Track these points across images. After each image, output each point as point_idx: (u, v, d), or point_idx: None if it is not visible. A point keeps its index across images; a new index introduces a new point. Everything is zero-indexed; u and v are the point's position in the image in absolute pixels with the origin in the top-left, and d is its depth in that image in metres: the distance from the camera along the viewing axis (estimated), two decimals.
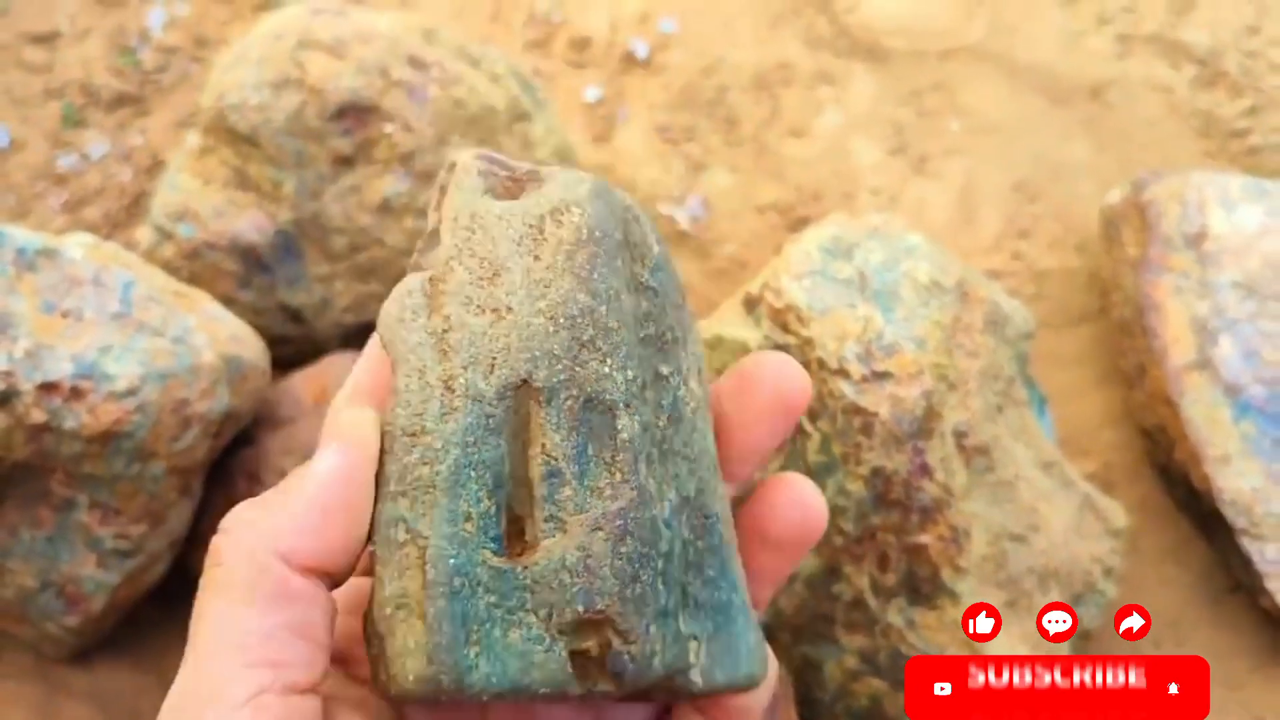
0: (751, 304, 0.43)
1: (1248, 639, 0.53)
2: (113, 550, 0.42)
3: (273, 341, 0.50)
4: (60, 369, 0.39)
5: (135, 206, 0.61)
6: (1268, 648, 0.53)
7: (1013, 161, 0.67)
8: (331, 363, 0.51)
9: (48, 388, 0.38)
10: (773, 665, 0.23)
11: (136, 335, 0.41)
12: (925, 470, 0.40)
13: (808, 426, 0.40)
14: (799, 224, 0.62)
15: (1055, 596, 0.46)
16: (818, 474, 0.41)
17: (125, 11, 0.67)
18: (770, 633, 0.44)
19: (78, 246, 0.43)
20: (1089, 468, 0.57)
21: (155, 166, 0.63)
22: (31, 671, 0.50)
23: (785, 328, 0.41)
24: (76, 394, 0.39)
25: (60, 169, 0.62)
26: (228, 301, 0.51)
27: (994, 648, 0.42)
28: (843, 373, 0.39)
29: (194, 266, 0.52)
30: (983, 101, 0.69)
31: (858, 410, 0.39)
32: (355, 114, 0.51)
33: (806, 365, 0.40)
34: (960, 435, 0.41)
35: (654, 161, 0.65)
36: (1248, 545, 0.51)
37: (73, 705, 0.49)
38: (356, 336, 0.53)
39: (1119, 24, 0.72)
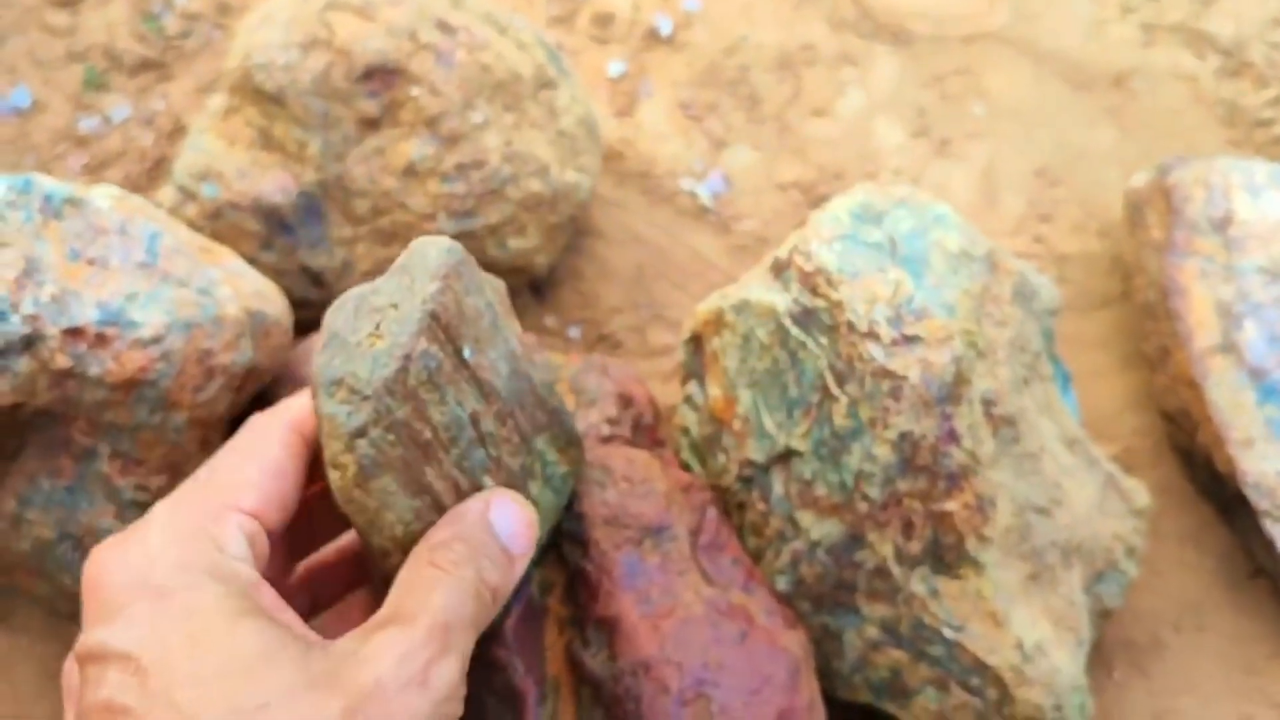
0: (780, 268, 0.43)
1: (1268, 624, 0.53)
2: (132, 501, 0.42)
3: (294, 304, 0.50)
4: (86, 314, 0.38)
5: (156, 170, 0.61)
6: None
7: (1035, 147, 0.67)
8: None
9: (73, 333, 0.38)
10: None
11: (162, 285, 0.41)
12: (953, 436, 0.39)
13: (835, 390, 0.40)
14: (820, 201, 0.62)
15: (1078, 572, 0.46)
16: (845, 438, 0.40)
17: None
18: (790, 601, 0.44)
19: (105, 197, 0.43)
20: (1111, 450, 0.57)
21: (176, 131, 0.63)
22: (43, 629, 0.49)
23: (815, 291, 0.41)
24: (102, 340, 0.38)
25: (81, 131, 0.62)
26: (250, 263, 0.50)
27: (1017, 621, 0.42)
28: (873, 335, 0.39)
29: (216, 226, 0.51)
30: (1006, 87, 0.69)
31: (887, 373, 0.39)
32: (382, 76, 0.51)
33: (835, 329, 0.40)
34: (988, 403, 0.41)
35: (676, 137, 0.65)
36: (1270, 528, 0.50)
37: None
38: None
39: (1143, 13, 0.72)
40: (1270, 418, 0.52)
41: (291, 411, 0.32)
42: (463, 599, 0.28)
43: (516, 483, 0.34)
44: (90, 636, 0.26)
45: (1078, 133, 0.68)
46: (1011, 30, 0.71)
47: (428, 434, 0.30)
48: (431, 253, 0.30)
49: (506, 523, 0.31)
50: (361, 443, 0.29)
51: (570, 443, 0.38)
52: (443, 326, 0.30)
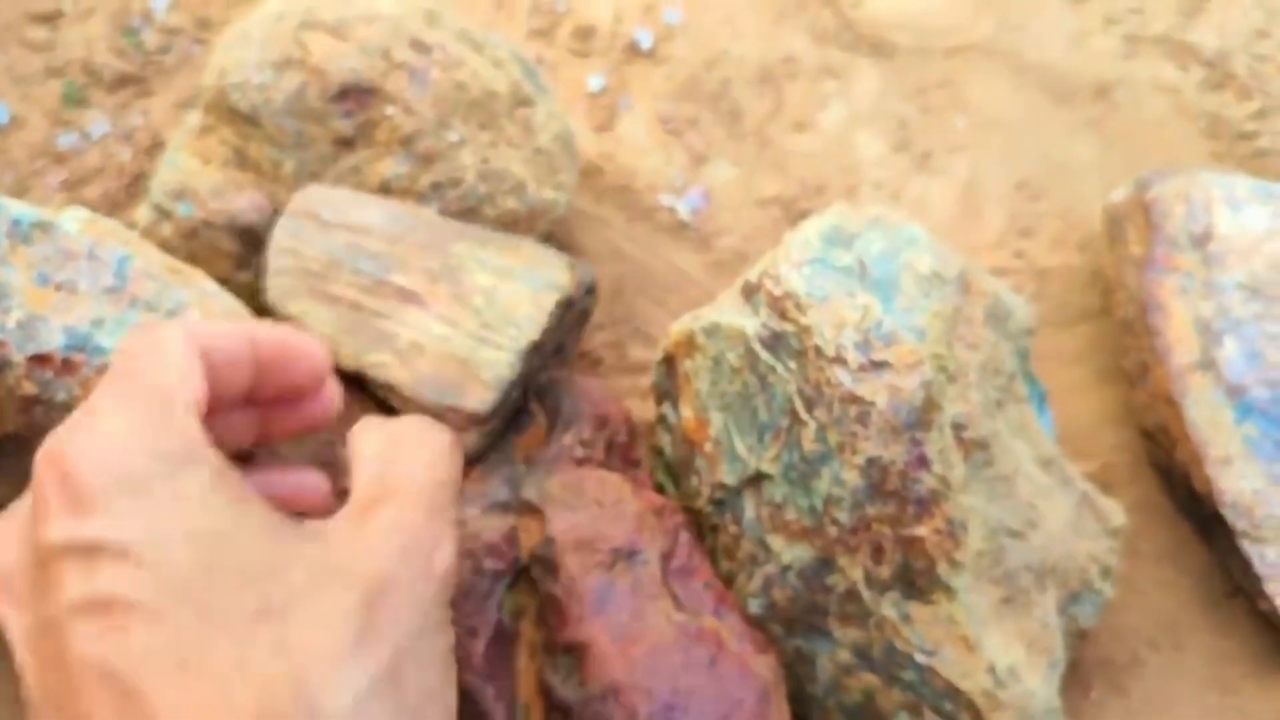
0: (750, 291, 0.42)
1: (1245, 644, 0.52)
2: None
3: None
4: (52, 340, 0.38)
5: (135, 186, 0.61)
6: (1265, 653, 0.52)
7: (1017, 160, 0.67)
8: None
9: (39, 359, 0.38)
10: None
11: (130, 310, 0.41)
12: (923, 461, 0.39)
13: (804, 415, 0.40)
14: (801, 217, 0.62)
15: (1052, 594, 0.46)
16: (814, 463, 0.40)
17: None
18: (763, 625, 0.43)
19: (73, 221, 0.43)
20: (1088, 468, 0.57)
21: (155, 147, 0.62)
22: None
23: (783, 315, 0.40)
24: (68, 366, 0.38)
25: (60, 148, 0.61)
26: (225, 282, 0.50)
27: (989, 646, 0.42)
28: (840, 360, 0.39)
29: (192, 246, 0.51)
30: (988, 99, 0.69)
31: (854, 399, 0.39)
32: (357, 95, 0.51)
33: (804, 353, 0.40)
34: (959, 428, 0.41)
35: (656, 151, 0.65)
36: (1248, 548, 0.50)
37: None
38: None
39: (1127, 24, 0.72)
40: (1248, 436, 0.52)
41: (186, 325, 0.29)
42: (441, 462, 0.29)
43: (437, 275, 0.43)
44: (58, 529, 0.24)
45: (1060, 145, 0.67)
46: (994, 43, 0.71)
47: (313, 265, 0.43)
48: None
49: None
50: (270, 286, 0.45)
51: (515, 250, 0.48)
52: (299, 213, 0.47)
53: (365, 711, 0.23)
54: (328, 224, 0.44)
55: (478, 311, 0.42)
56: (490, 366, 0.41)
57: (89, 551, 0.23)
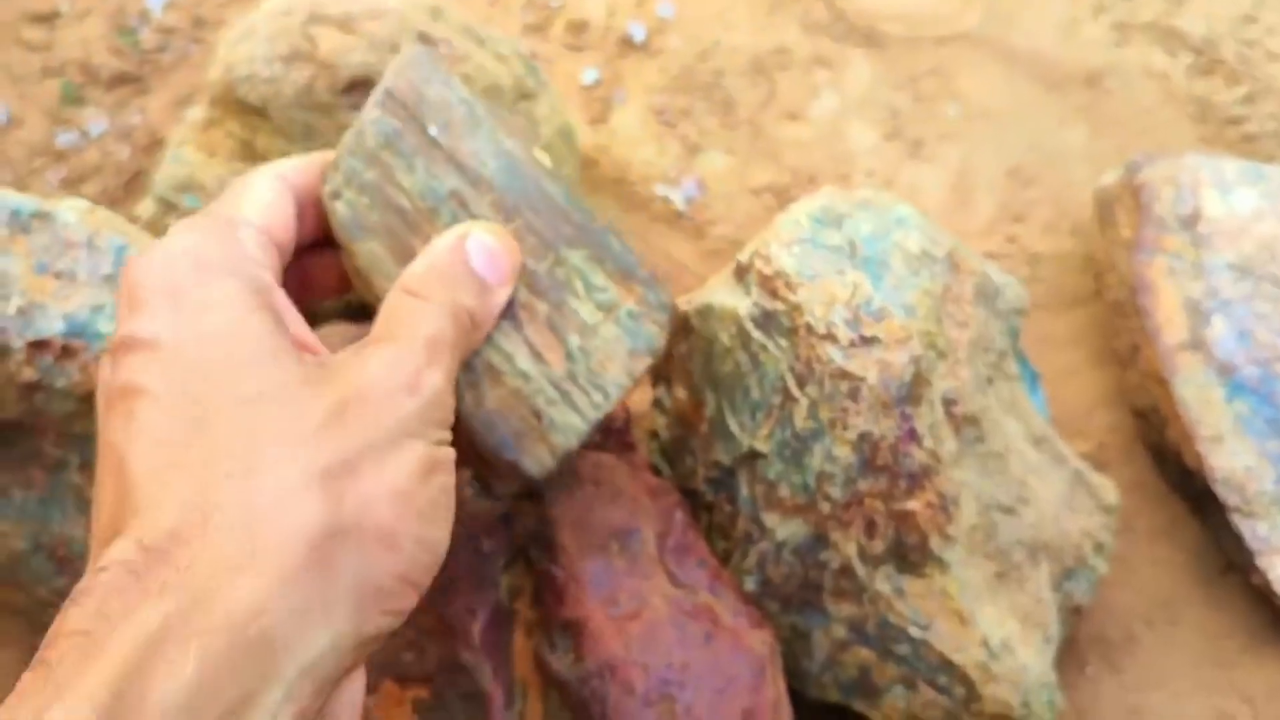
0: (742, 272, 0.43)
1: (1239, 619, 0.53)
2: None
3: None
4: (52, 327, 0.39)
5: (133, 184, 0.62)
6: (1259, 628, 0.53)
7: (1008, 147, 0.67)
8: (329, 333, 0.51)
9: (39, 345, 0.39)
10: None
11: None
12: (913, 436, 0.40)
13: (796, 392, 0.40)
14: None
15: (1045, 570, 0.46)
16: (806, 440, 0.41)
17: None
18: (758, 601, 0.44)
19: (72, 210, 0.43)
20: (1083, 448, 0.57)
21: (153, 145, 0.63)
22: (23, 639, 0.50)
23: (774, 294, 0.41)
24: (68, 352, 0.39)
25: (59, 146, 0.62)
26: None
27: (982, 619, 0.43)
28: (830, 338, 0.39)
29: None
30: (979, 87, 0.69)
31: (845, 375, 0.39)
32: (365, 88, 0.51)
33: (795, 331, 0.41)
34: (949, 403, 0.41)
35: (650, 143, 0.65)
36: (1239, 523, 0.51)
37: None
38: (358, 308, 0.53)
39: (1116, 12, 0.72)
40: (1239, 414, 0.53)
41: (277, 167, 0.33)
42: (441, 323, 0.30)
43: (541, 286, 0.34)
44: (119, 330, 0.27)
45: (1050, 132, 0.68)
46: (984, 31, 0.71)
47: (403, 200, 0.33)
48: (403, 52, 0.34)
49: (482, 251, 0.32)
50: (338, 205, 0.33)
51: (629, 277, 0.35)
52: (400, 103, 0.33)
53: (310, 492, 0.24)
54: (434, 144, 0.34)
55: (571, 357, 0.34)
56: (562, 431, 0.34)
57: (128, 345, 0.27)
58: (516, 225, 0.34)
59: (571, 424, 0.34)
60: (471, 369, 0.33)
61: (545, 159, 0.36)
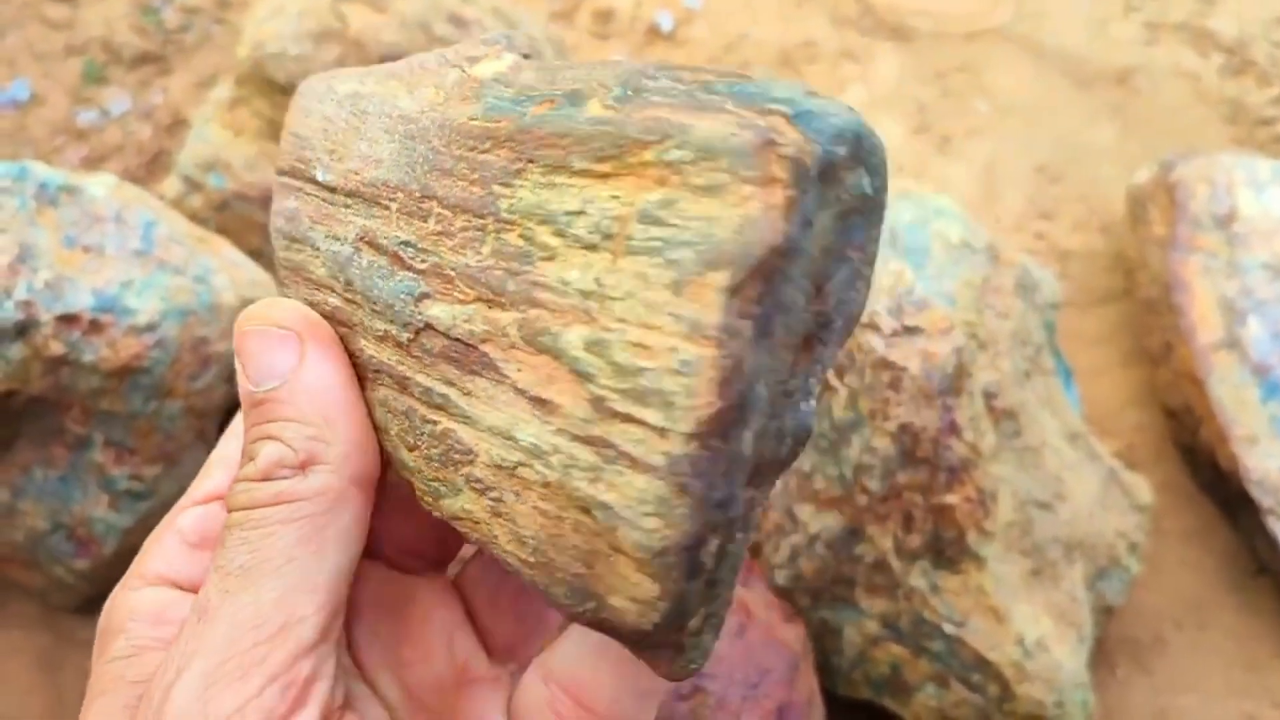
0: None
1: (1270, 623, 0.52)
2: (126, 491, 0.42)
3: None
4: (80, 301, 0.38)
5: (154, 163, 0.61)
6: None
7: (1037, 144, 0.67)
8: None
9: (67, 319, 0.38)
10: None
11: (158, 272, 0.40)
12: (954, 428, 0.39)
13: (834, 382, 0.40)
14: None
15: (1080, 568, 0.45)
16: (844, 430, 0.40)
17: None
18: (789, 595, 0.43)
19: (101, 185, 0.42)
20: (1113, 447, 0.56)
21: (175, 125, 0.62)
22: (38, 621, 0.49)
23: None
24: (96, 327, 0.38)
25: (80, 124, 0.61)
26: (255, 254, 0.50)
27: (1018, 617, 0.42)
28: (873, 326, 0.39)
29: (223, 218, 0.51)
30: (1007, 84, 0.69)
31: (887, 365, 0.39)
32: None
33: None
34: (990, 396, 0.41)
35: None
36: (1274, 525, 0.50)
37: (78, 656, 0.48)
38: None
39: (1147, 11, 0.72)
40: (1274, 415, 0.52)
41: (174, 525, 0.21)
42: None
43: (494, 287, 0.18)
44: None
45: (1079, 130, 0.67)
46: (1014, 27, 0.71)
47: (328, 297, 0.22)
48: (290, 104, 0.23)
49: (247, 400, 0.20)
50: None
51: (652, 130, 0.16)
52: (290, 173, 0.23)
53: None
54: (329, 190, 0.22)
55: (586, 377, 0.20)
56: (635, 514, 0.20)
57: None
58: (430, 224, 0.20)
59: (648, 491, 0.16)
60: (455, 499, 0.19)
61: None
